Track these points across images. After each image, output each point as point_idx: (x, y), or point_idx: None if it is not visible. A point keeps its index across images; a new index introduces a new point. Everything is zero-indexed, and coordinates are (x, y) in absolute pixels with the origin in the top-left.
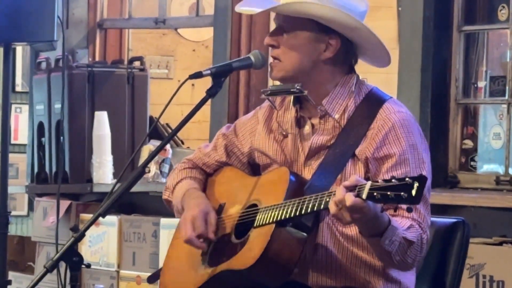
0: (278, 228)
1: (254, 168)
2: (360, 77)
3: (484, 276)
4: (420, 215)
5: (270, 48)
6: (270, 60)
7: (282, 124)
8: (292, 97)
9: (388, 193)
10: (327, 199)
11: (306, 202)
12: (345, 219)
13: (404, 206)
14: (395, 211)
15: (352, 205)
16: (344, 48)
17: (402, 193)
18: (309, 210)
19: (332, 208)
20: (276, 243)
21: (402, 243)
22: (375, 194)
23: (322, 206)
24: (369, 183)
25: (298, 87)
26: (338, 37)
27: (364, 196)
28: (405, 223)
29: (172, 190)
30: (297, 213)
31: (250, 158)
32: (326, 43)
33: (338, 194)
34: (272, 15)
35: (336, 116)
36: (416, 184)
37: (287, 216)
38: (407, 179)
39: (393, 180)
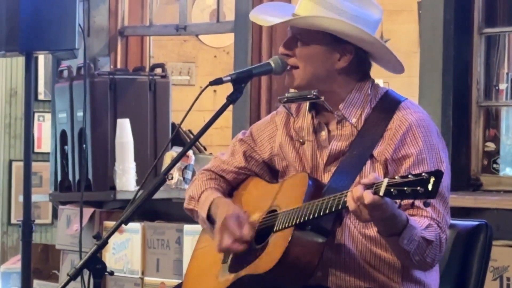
0: (297, 231)
1: (274, 172)
2: (383, 81)
3: (508, 279)
4: (439, 214)
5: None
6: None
7: (299, 131)
8: (307, 103)
9: (405, 188)
10: (345, 199)
11: (324, 203)
12: (364, 216)
13: (421, 204)
14: (412, 206)
15: (371, 202)
16: (358, 57)
17: (418, 188)
18: (327, 211)
19: (351, 204)
20: (295, 246)
21: (420, 242)
22: (392, 190)
23: (340, 207)
24: (386, 179)
25: (314, 94)
26: (352, 48)
27: (381, 193)
28: (423, 222)
29: (197, 200)
30: (315, 215)
31: (270, 163)
32: (340, 53)
33: (356, 192)
34: None
35: (353, 121)
36: (432, 179)
37: (305, 219)
38: (423, 174)
39: (409, 176)
